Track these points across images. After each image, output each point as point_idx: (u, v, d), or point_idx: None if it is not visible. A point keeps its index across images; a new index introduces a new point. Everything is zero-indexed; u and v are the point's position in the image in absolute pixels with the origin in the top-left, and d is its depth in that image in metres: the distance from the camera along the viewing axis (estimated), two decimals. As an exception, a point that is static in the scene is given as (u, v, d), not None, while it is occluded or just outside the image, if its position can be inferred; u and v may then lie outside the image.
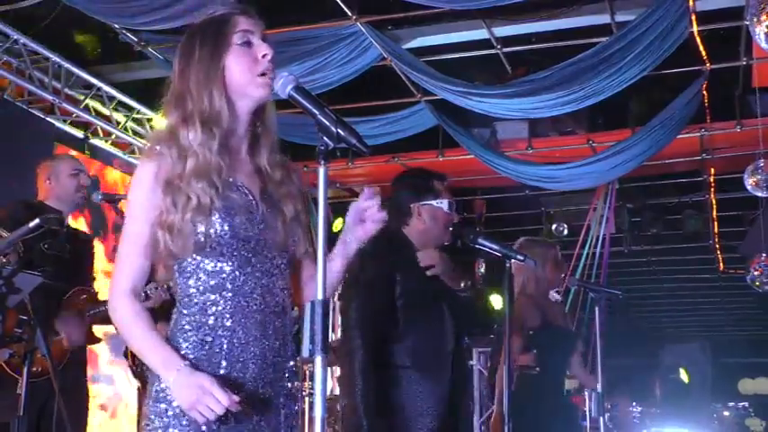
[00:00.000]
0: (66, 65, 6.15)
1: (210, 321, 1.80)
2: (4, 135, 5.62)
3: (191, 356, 1.79)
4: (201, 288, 1.82)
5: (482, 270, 9.37)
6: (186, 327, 1.81)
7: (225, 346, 1.80)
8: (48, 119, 6.23)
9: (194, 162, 1.81)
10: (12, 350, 3.52)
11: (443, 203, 2.98)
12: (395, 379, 2.78)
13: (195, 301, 1.82)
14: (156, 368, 1.76)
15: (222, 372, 1.78)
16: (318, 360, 1.59)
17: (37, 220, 2.97)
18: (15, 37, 5.69)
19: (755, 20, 4.71)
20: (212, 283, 1.81)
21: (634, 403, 9.42)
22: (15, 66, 5.87)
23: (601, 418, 3.56)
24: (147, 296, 3.43)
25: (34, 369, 3.33)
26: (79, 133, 6.60)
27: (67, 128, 6.48)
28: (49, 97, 6.09)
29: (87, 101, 6.52)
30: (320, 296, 1.61)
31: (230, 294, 1.81)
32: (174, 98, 1.88)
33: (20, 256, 3.27)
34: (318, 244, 1.65)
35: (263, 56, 1.87)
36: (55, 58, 6.04)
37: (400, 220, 2.98)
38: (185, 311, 1.83)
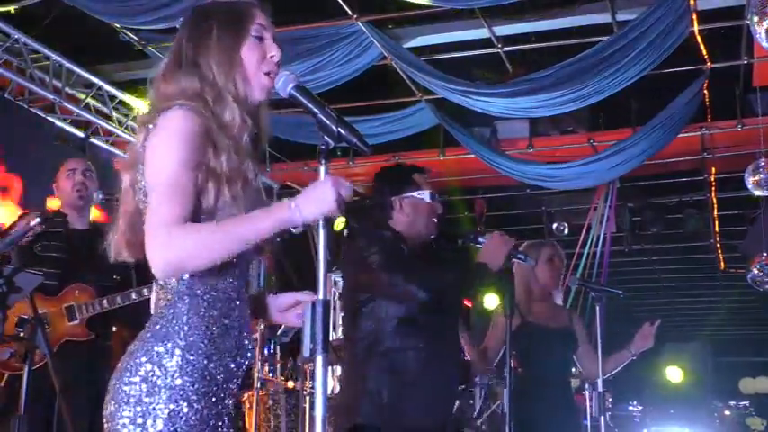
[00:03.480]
0: (67, 64, 6.15)
1: (220, 305, 1.76)
2: (5, 134, 5.63)
3: (206, 336, 1.71)
4: (215, 270, 1.73)
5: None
6: (201, 309, 1.73)
7: (236, 332, 1.78)
8: (48, 118, 6.23)
9: (235, 144, 1.76)
10: (12, 349, 3.53)
11: (424, 194, 2.99)
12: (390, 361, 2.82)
13: (210, 281, 1.74)
14: (276, 222, 1.64)
15: (231, 357, 1.75)
16: (319, 359, 1.59)
17: (37, 219, 2.98)
18: (16, 36, 5.69)
19: (756, 19, 4.71)
20: (225, 269, 1.76)
21: (634, 402, 9.44)
22: (16, 65, 5.88)
23: (602, 417, 3.56)
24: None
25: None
26: (80, 133, 6.59)
27: (68, 127, 6.48)
28: (50, 96, 6.08)
29: (88, 100, 6.51)
30: (320, 296, 1.62)
31: (236, 282, 1.79)
32: (188, 65, 1.81)
33: (21, 255, 3.27)
34: (319, 243, 1.65)
35: (272, 56, 1.85)
36: (55, 57, 6.04)
37: (385, 215, 3.00)
38: (198, 291, 1.73)
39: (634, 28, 5.51)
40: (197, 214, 1.68)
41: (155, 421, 1.62)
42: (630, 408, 9.37)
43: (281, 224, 1.65)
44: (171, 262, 1.61)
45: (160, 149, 1.70)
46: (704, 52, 6.22)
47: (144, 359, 1.67)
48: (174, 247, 1.60)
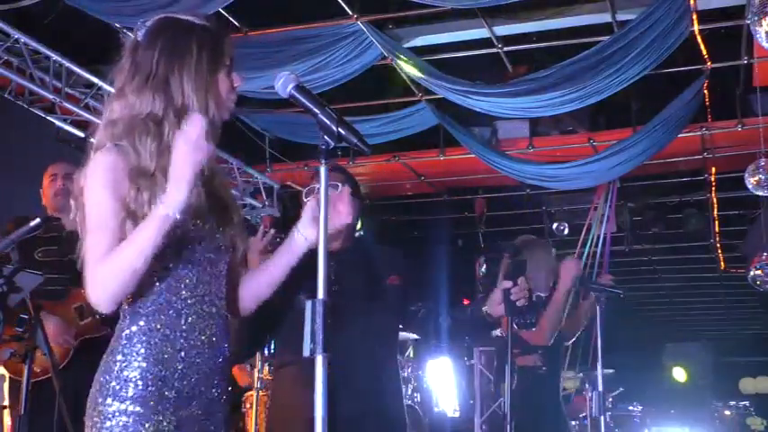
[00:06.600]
0: (67, 64, 6.14)
1: (168, 322, 1.79)
2: (5, 135, 5.63)
3: (149, 356, 1.76)
4: (157, 290, 1.79)
5: (483, 269, 9.37)
6: (144, 328, 1.78)
7: (183, 345, 1.80)
8: (48, 118, 6.22)
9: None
10: (12, 349, 3.52)
11: None
12: None
13: (153, 299, 1.79)
14: (157, 222, 1.65)
15: (179, 370, 1.78)
16: (319, 359, 1.59)
17: (38, 220, 2.97)
18: (16, 36, 5.68)
19: (756, 19, 4.71)
20: (167, 284, 1.80)
21: (635, 402, 9.43)
22: (16, 65, 5.87)
23: (602, 417, 3.56)
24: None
25: (36, 369, 3.34)
26: (80, 133, 6.58)
27: (68, 127, 6.48)
28: (50, 96, 6.08)
29: (88, 100, 6.51)
30: (320, 295, 1.61)
31: (185, 294, 1.81)
32: (158, 81, 1.82)
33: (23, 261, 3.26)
34: (320, 242, 1.65)
35: (236, 86, 1.92)
36: (56, 57, 6.03)
37: None
38: (141, 311, 1.79)
39: (634, 28, 5.51)
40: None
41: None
42: (630, 408, 9.37)
43: (161, 222, 1.65)
44: (103, 298, 1.70)
45: (87, 191, 1.76)
46: (704, 52, 6.22)
47: (102, 370, 1.79)
48: (100, 285, 1.69)
